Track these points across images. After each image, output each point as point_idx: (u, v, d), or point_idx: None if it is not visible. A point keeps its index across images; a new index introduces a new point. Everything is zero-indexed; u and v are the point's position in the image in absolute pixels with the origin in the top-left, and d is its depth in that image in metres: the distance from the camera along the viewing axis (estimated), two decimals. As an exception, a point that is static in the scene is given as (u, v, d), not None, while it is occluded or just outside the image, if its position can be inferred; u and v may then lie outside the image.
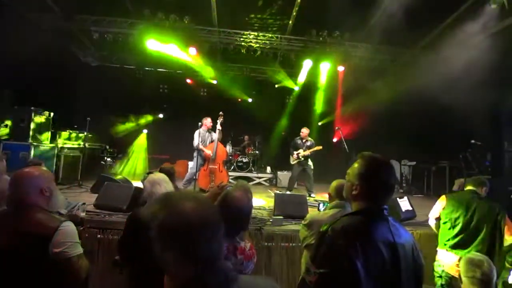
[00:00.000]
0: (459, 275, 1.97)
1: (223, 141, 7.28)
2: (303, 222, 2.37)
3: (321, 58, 8.47)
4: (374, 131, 8.73)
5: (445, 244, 2.79)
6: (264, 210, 4.66)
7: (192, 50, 8.11)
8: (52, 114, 6.78)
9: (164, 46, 7.92)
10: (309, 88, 10.05)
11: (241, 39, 8.19)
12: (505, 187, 4.98)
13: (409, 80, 7.14)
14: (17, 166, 3.72)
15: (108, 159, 8.21)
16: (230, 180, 7.09)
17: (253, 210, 2.66)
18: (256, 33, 8.15)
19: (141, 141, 10.36)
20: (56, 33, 7.38)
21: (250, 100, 11.27)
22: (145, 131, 10.44)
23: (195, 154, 5.90)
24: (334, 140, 8.46)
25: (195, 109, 9.45)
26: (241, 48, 8.27)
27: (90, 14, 7.51)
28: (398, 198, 4.43)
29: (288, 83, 10.48)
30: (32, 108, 6.23)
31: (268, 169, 9.26)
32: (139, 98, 10.26)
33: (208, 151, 5.81)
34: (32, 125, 6.13)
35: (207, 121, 5.99)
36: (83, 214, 3.52)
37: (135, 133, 10.45)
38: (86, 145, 6.89)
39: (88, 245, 3.15)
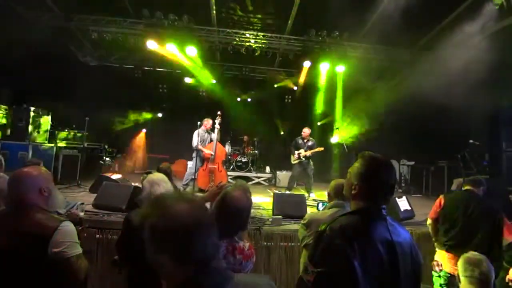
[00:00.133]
0: (457, 275, 1.97)
1: (222, 141, 7.28)
2: (302, 221, 2.37)
3: (320, 58, 8.47)
4: (373, 131, 8.74)
5: (444, 244, 2.80)
6: (263, 210, 4.66)
7: (191, 50, 8.10)
8: (51, 113, 6.77)
9: (163, 46, 7.92)
10: (309, 88, 10.06)
11: (240, 39, 8.20)
12: (503, 187, 5.00)
13: (408, 80, 7.16)
14: (16, 166, 3.72)
15: (107, 158, 8.20)
16: (229, 180, 7.09)
17: (252, 210, 2.67)
18: (255, 33, 8.16)
19: (140, 140, 10.36)
20: (55, 32, 7.36)
21: (249, 100, 11.28)
22: (143, 130, 10.44)
23: (194, 154, 5.90)
24: (334, 140, 8.46)
25: (194, 108, 9.46)
26: (240, 48, 8.28)
27: (89, 14, 7.50)
28: (396, 198, 4.44)
29: (287, 83, 10.50)
30: (31, 107, 6.22)
31: (267, 169, 9.26)
32: (138, 98, 10.27)
33: (207, 151, 5.81)
34: (31, 125, 6.12)
35: (207, 122, 5.99)
36: (82, 214, 3.51)
37: (134, 132, 10.44)
38: (85, 144, 6.88)
39: (87, 245, 3.14)
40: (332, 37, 7.93)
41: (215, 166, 5.87)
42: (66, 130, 7.21)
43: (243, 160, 8.90)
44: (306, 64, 8.86)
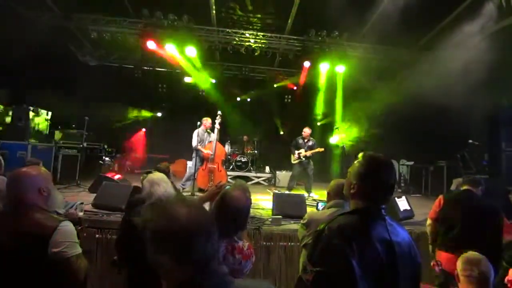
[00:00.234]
0: (457, 274, 1.97)
1: (222, 140, 7.28)
2: (301, 221, 2.37)
3: (320, 58, 8.48)
4: (373, 131, 8.75)
5: (443, 244, 2.80)
6: (262, 210, 4.66)
7: (191, 50, 8.11)
8: (50, 113, 6.76)
9: (162, 46, 7.92)
10: (309, 88, 10.07)
11: (240, 38, 8.19)
12: (503, 186, 5.01)
13: (408, 80, 7.16)
14: (15, 165, 3.71)
15: (107, 158, 8.20)
16: (229, 180, 7.09)
17: (251, 210, 2.67)
18: (255, 33, 8.15)
19: (140, 139, 10.35)
20: (55, 32, 7.35)
21: (249, 99, 11.27)
22: (143, 129, 10.43)
23: (193, 154, 5.90)
24: (333, 140, 8.47)
25: (194, 108, 9.45)
26: (240, 48, 8.27)
27: (88, 13, 7.49)
28: (396, 198, 4.44)
29: (287, 83, 10.50)
30: (30, 107, 6.22)
31: (267, 168, 9.26)
32: (138, 98, 10.26)
33: (206, 151, 5.81)
34: (30, 124, 6.11)
35: (207, 122, 5.99)
36: (81, 214, 3.51)
37: (134, 131, 10.44)
38: (84, 144, 6.88)
39: (87, 245, 3.14)
40: (332, 37, 7.94)
41: (215, 166, 5.87)
42: (66, 130, 7.19)
43: (243, 160, 8.90)
44: (306, 64, 8.86)
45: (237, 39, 8.17)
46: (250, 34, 8.17)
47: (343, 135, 6.49)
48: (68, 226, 1.57)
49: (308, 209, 4.23)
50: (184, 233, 0.83)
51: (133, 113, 10.61)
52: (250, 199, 1.87)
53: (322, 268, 1.05)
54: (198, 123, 6.03)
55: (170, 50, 8.09)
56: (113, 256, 2.48)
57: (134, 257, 2.05)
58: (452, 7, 6.61)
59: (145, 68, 9.80)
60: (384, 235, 1.13)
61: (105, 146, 8.33)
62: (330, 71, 9.00)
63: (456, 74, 5.69)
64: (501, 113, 6.07)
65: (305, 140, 6.60)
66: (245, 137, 9.78)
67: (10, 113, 6.20)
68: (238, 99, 11.23)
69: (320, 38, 7.97)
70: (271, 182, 8.68)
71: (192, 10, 7.41)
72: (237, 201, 1.66)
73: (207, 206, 1.97)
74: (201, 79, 9.99)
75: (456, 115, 6.16)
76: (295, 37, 8.23)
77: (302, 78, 9.65)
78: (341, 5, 5.90)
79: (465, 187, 2.94)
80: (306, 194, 6.04)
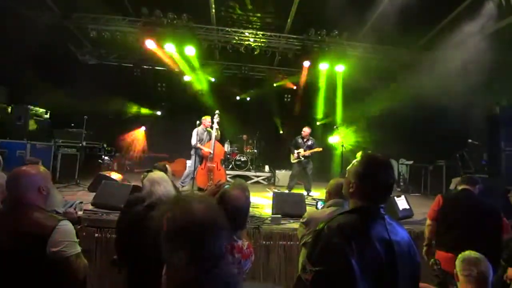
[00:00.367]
0: (456, 273, 1.98)
1: (221, 140, 7.28)
2: (301, 220, 2.37)
3: (320, 58, 8.47)
4: (372, 131, 8.75)
5: (442, 244, 2.80)
6: (262, 209, 4.66)
7: (190, 49, 8.10)
8: (49, 112, 6.74)
9: (162, 46, 7.90)
10: (308, 88, 10.06)
11: (240, 37, 8.18)
12: (502, 186, 5.01)
13: (408, 79, 7.16)
14: (15, 164, 3.70)
15: (106, 157, 8.19)
16: (228, 179, 7.09)
17: (251, 209, 2.67)
18: (254, 32, 8.14)
19: (139, 138, 10.31)
20: (54, 31, 7.33)
21: (248, 98, 11.27)
22: (143, 128, 10.38)
23: (192, 152, 5.90)
24: (333, 140, 8.47)
25: (193, 107, 9.45)
26: (239, 47, 8.26)
27: (87, 12, 7.47)
28: (395, 197, 4.45)
29: (287, 82, 10.49)
30: (30, 106, 6.20)
31: (267, 168, 9.26)
32: (138, 97, 10.24)
33: (206, 149, 5.81)
34: (30, 124, 6.10)
35: (206, 121, 5.98)
36: (80, 213, 3.51)
37: (133, 130, 10.41)
38: (84, 143, 6.87)
39: (86, 244, 3.14)
40: (332, 36, 7.94)
41: (214, 165, 5.87)
42: (65, 129, 7.18)
43: (242, 159, 8.90)
44: (306, 64, 8.86)
45: (236, 38, 8.16)
46: (249, 33, 8.16)
47: (342, 135, 6.48)
48: (67, 226, 1.57)
49: (308, 208, 4.23)
50: (199, 230, 0.86)
51: (133, 112, 10.59)
52: (250, 198, 1.87)
53: (321, 268, 1.05)
54: (198, 122, 6.03)
55: (169, 49, 8.08)
56: (113, 255, 2.47)
57: (134, 257, 2.05)
58: (452, 7, 6.61)
59: (145, 67, 9.79)
60: (383, 234, 1.13)
61: (105, 145, 8.32)
62: (330, 70, 9.00)
63: (456, 73, 5.70)
64: (501, 112, 6.07)
65: (305, 140, 6.60)
66: (244, 136, 9.77)
67: (10, 112, 6.19)
68: (238, 98, 11.21)
69: (319, 38, 7.96)
70: (271, 181, 8.68)
71: (191, 9, 7.40)
72: (237, 200, 1.66)
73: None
74: (200, 78, 9.98)
75: (455, 115, 6.16)
76: (294, 36, 8.23)
77: (302, 78, 9.65)
78: (341, 5, 5.89)
79: (463, 187, 2.94)
80: (305, 193, 6.05)
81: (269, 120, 11.15)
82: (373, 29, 7.33)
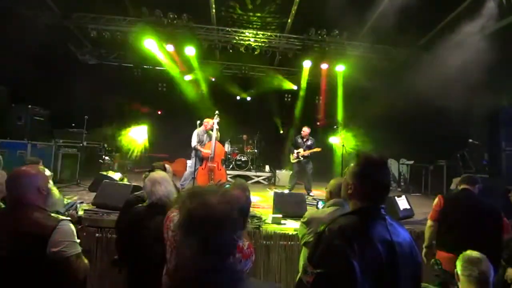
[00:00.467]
0: (457, 274, 1.97)
1: (222, 140, 7.28)
2: (301, 220, 2.37)
3: (320, 57, 8.46)
4: (372, 130, 8.74)
5: (443, 244, 2.79)
6: (262, 209, 4.66)
7: (190, 49, 8.09)
8: (50, 112, 6.74)
9: (162, 45, 7.90)
10: (308, 87, 10.06)
11: (240, 37, 8.18)
12: (503, 186, 5.00)
13: (408, 79, 7.15)
14: (15, 164, 3.70)
15: (106, 157, 8.19)
16: (229, 179, 7.08)
17: (251, 209, 2.66)
18: (255, 32, 8.14)
19: (140, 137, 10.28)
20: (54, 31, 7.34)
21: (248, 98, 11.26)
22: (143, 128, 10.36)
23: (193, 153, 5.89)
24: (334, 139, 8.46)
25: (194, 107, 9.44)
26: (239, 47, 8.25)
27: (87, 12, 7.47)
28: (396, 197, 4.44)
29: (287, 82, 10.49)
30: (30, 106, 6.20)
31: (267, 167, 9.26)
32: (138, 97, 10.24)
33: (206, 151, 5.81)
34: (30, 123, 6.10)
35: (208, 124, 5.98)
36: (81, 213, 3.51)
37: (133, 130, 10.40)
38: (84, 143, 6.87)
39: (86, 244, 3.14)
40: (332, 36, 7.93)
41: (215, 165, 5.86)
42: (66, 129, 7.18)
43: (243, 159, 8.89)
44: (306, 64, 8.85)
45: (236, 38, 8.16)
46: (249, 33, 8.15)
47: (343, 135, 6.48)
48: (67, 225, 1.56)
49: (308, 208, 4.23)
50: (215, 223, 0.87)
51: (133, 112, 10.57)
52: (250, 198, 1.87)
53: (323, 270, 1.04)
54: (198, 122, 6.02)
55: (170, 49, 8.07)
56: (113, 255, 2.48)
57: (134, 257, 2.05)
58: (453, 7, 6.60)
59: (145, 67, 9.79)
60: (385, 235, 1.12)
61: (105, 145, 8.32)
62: (330, 70, 8.99)
63: (456, 73, 5.68)
64: (501, 112, 6.06)
65: (304, 140, 6.60)
66: (244, 136, 9.77)
67: (10, 112, 6.19)
68: (238, 98, 11.21)
69: (320, 37, 7.96)
70: (271, 181, 8.68)
71: (191, 9, 7.40)
72: (237, 200, 1.66)
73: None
74: (200, 78, 9.98)
75: (456, 115, 6.15)
76: (295, 36, 8.22)
77: (302, 77, 9.64)
78: (341, 4, 5.89)
79: (462, 186, 2.93)
80: (305, 193, 6.04)
81: (270, 120, 11.16)
82: (373, 29, 7.32)
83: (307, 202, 4.52)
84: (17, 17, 6.30)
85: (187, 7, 7.35)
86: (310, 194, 6.29)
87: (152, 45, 7.92)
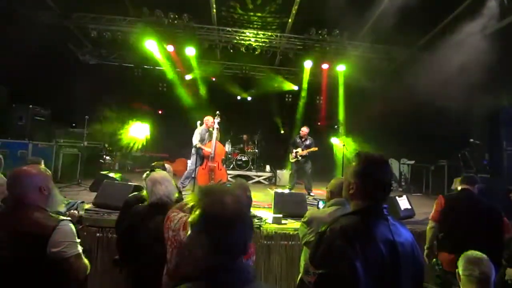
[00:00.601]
0: (458, 274, 1.97)
1: (222, 140, 7.28)
2: (302, 219, 2.37)
3: (321, 57, 8.46)
4: (373, 130, 8.73)
5: (444, 244, 2.79)
6: (263, 209, 4.66)
7: (191, 49, 8.09)
8: (50, 112, 6.75)
9: (163, 45, 7.91)
10: (309, 87, 10.05)
11: (241, 37, 8.18)
12: (504, 186, 4.99)
13: (409, 79, 7.14)
14: (16, 164, 3.71)
15: (107, 157, 8.20)
16: (229, 179, 7.09)
17: (252, 209, 2.67)
18: (255, 32, 8.14)
19: (140, 137, 10.29)
20: (54, 31, 7.34)
21: (249, 98, 11.26)
22: (144, 127, 10.36)
23: (193, 152, 5.89)
24: (334, 139, 8.45)
25: (194, 107, 9.44)
26: (240, 47, 8.25)
27: (88, 12, 7.47)
28: (397, 197, 4.44)
29: (288, 82, 10.48)
30: (31, 106, 6.21)
31: (268, 167, 9.26)
32: (138, 97, 10.24)
33: (207, 149, 5.81)
34: (31, 123, 6.11)
35: (209, 121, 5.98)
36: (81, 213, 3.52)
37: (134, 130, 10.41)
38: (85, 143, 6.88)
39: (87, 244, 3.15)
40: (333, 35, 7.92)
41: (215, 165, 5.87)
42: (66, 129, 7.20)
43: (243, 159, 8.89)
44: (307, 64, 8.84)
45: (237, 38, 8.16)
46: (250, 33, 8.15)
47: (343, 134, 6.47)
48: (67, 226, 1.56)
49: (309, 208, 4.23)
50: (228, 223, 0.88)
51: (133, 112, 10.58)
52: (251, 198, 1.87)
53: (325, 270, 1.04)
54: (199, 122, 6.03)
55: (170, 49, 8.08)
56: (114, 255, 2.48)
57: (134, 256, 2.05)
58: (453, 7, 6.59)
59: (146, 67, 9.79)
60: (387, 236, 1.12)
61: (106, 145, 8.33)
62: (331, 70, 8.98)
63: (457, 73, 5.67)
64: (502, 112, 6.04)
65: (303, 139, 6.61)
66: (245, 136, 9.77)
67: (11, 112, 6.20)
68: (239, 98, 11.20)
69: (320, 37, 7.95)
70: (272, 181, 8.68)
71: (192, 9, 7.40)
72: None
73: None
74: (201, 78, 9.97)
75: (456, 114, 6.14)
76: (295, 36, 8.22)
77: (303, 77, 9.63)
78: (341, 4, 5.88)
79: (462, 187, 2.92)
80: (306, 193, 6.04)
81: (270, 119, 11.15)
82: (373, 29, 7.31)
83: (307, 202, 4.52)
84: (18, 17, 6.31)
85: (187, 7, 7.35)
86: (311, 194, 6.29)
87: (152, 45, 7.93)
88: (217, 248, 0.87)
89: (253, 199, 1.87)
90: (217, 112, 6.00)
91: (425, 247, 2.96)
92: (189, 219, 0.94)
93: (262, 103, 10.87)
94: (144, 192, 2.32)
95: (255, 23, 8.21)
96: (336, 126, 7.81)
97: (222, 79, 10.34)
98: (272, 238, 3.57)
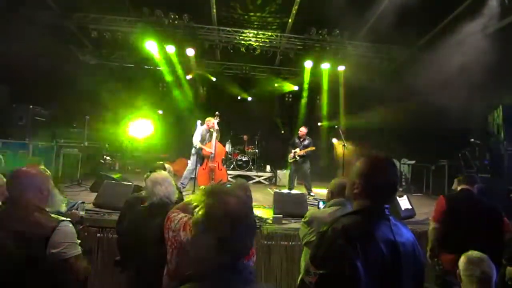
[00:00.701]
0: (459, 274, 1.96)
1: (222, 140, 7.28)
2: (303, 219, 2.36)
3: (321, 57, 8.45)
4: (374, 130, 8.73)
5: (445, 245, 2.78)
6: (264, 209, 4.66)
7: (191, 50, 8.09)
8: (51, 112, 6.76)
9: (163, 45, 7.91)
10: (309, 87, 10.05)
11: (241, 37, 8.18)
12: (504, 186, 4.98)
13: (409, 78, 7.13)
14: (16, 164, 3.70)
15: (108, 157, 8.20)
16: (229, 179, 7.09)
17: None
18: (255, 32, 8.14)
19: (140, 137, 10.28)
20: (55, 30, 7.34)
21: (249, 98, 11.26)
22: (144, 127, 10.35)
23: (193, 152, 5.90)
24: (335, 139, 8.45)
25: (194, 107, 9.44)
26: (240, 47, 8.25)
27: (88, 12, 7.48)
28: (397, 197, 4.43)
29: (288, 82, 10.48)
30: (31, 106, 6.22)
31: (268, 167, 9.26)
32: (138, 97, 10.24)
33: (208, 149, 5.82)
34: (31, 123, 6.11)
35: (210, 122, 5.99)
36: (82, 213, 3.51)
37: (134, 129, 10.40)
38: (86, 143, 6.88)
39: (88, 244, 3.15)
40: (333, 35, 7.92)
41: (215, 165, 5.87)
42: (67, 129, 7.20)
43: (244, 159, 8.89)
44: (307, 64, 8.84)
45: (237, 38, 8.16)
46: (250, 33, 8.15)
47: (343, 134, 6.46)
48: (67, 227, 1.56)
49: (309, 208, 4.22)
50: (233, 223, 0.89)
51: (134, 112, 10.58)
52: (251, 198, 1.87)
53: (326, 270, 1.03)
54: (199, 121, 6.03)
55: (170, 50, 8.08)
56: (114, 255, 2.47)
57: (135, 257, 2.05)
58: (453, 6, 6.58)
59: (146, 67, 9.79)
60: (388, 236, 1.11)
61: (106, 145, 8.33)
62: (331, 69, 8.97)
63: (458, 72, 5.66)
64: (503, 112, 6.03)
65: (301, 139, 6.61)
66: (245, 136, 9.77)
67: (11, 112, 6.20)
68: (239, 98, 11.20)
69: (321, 37, 7.94)
70: (272, 181, 8.67)
71: (192, 9, 7.40)
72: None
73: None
74: (201, 78, 9.97)
75: (457, 114, 6.12)
76: (295, 36, 8.22)
77: (303, 77, 9.63)
78: (342, 4, 5.88)
79: (462, 187, 2.91)
80: (306, 193, 6.04)
81: (271, 120, 11.15)
82: (374, 29, 7.31)
83: (308, 202, 4.51)
84: (18, 17, 6.31)
85: (187, 7, 7.36)
86: (311, 194, 6.28)
87: (152, 46, 7.93)
88: (220, 249, 0.87)
89: (254, 199, 1.87)
90: (217, 112, 6.01)
91: (428, 249, 2.92)
92: (192, 220, 0.95)
93: (262, 103, 10.87)
94: (145, 193, 2.32)
95: (255, 23, 8.21)
96: (336, 126, 7.80)
97: (222, 79, 10.33)
98: (272, 238, 3.56)
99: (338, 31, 7.82)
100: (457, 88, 5.68)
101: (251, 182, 8.32)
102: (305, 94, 10.24)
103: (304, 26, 7.86)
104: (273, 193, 5.04)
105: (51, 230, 1.48)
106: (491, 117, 6.29)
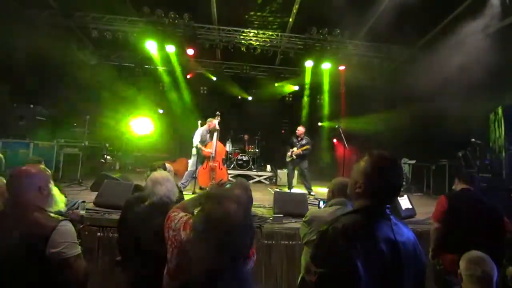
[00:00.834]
0: (459, 273, 1.96)
1: (223, 139, 7.28)
2: (303, 219, 2.36)
3: (322, 56, 8.44)
4: (374, 130, 8.72)
5: (446, 245, 2.78)
6: (264, 208, 4.66)
7: (191, 49, 8.08)
8: (51, 112, 6.77)
9: (163, 45, 7.90)
10: (310, 87, 10.05)
11: (241, 37, 8.17)
12: (505, 185, 4.98)
13: (409, 78, 7.13)
14: (17, 164, 3.71)
15: (108, 157, 8.20)
16: (230, 178, 7.09)
17: (252, 208, 2.66)
18: (256, 31, 8.13)
19: (141, 136, 10.29)
20: (55, 30, 7.35)
21: (250, 98, 11.26)
22: (144, 127, 10.35)
23: (194, 152, 5.90)
24: (335, 139, 8.45)
25: (194, 107, 9.44)
26: (241, 46, 8.24)
27: (89, 12, 7.48)
28: (398, 197, 4.42)
29: (288, 82, 10.47)
30: (32, 106, 6.22)
31: (268, 167, 9.26)
32: (139, 97, 10.25)
33: (207, 150, 5.82)
34: (32, 123, 6.12)
35: (211, 123, 5.99)
36: (83, 212, 3.52)
37: (134, 130, 10.41)
38: (86, 143, 6.88)
39: (88, 243, 3.15)
40: (333, 35, 7.91)
41: (216, 164, 5.87)
42: (67, 129, 7.21)
43: (244, 159, 8.88)
44: (308, 63, 8.83)
45: (238, 37, 8.15)
46: (251, 32, 8.14)
47: (344, 134, 6.45)
48: (67, 226, 1.55)
49: (310, 208, 4.22)
50: (233, 226, 0.90)
51: (134, 112, 10.59)
52: (252, 198, 1.86)
53: (326, 269, 1.03)
54: (200, 121, 6.03)
55: (170, 49, 8.07)
56: (114, 254, 2.47)
57: (135, 256, 2.05)
58: (453, 6, 6.57)
59: (146, 66, 9.80)
60: (389, 235, 1.10)
61: (107, 145, 8.33)
62: (332, 69, 8.96)
63: (458, 72, 5.66)
64: (504, 112, 6.03)
65: (299, 139, 6.61)
66: (245, 136, 9.77)
67: (12, 111, 6.21)
68: (239, 97, 11.20)
69: (321, 36, 7.93)
70: (272, 180, 8.67)
71: (193, 8, 7.40)
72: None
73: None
74: (201, 77, 9.96)
75: (458, 114, 6.12)
76: (296, 35, 8.21)
77: (303, 77, 9.62)
78: (342, 4, 5.87)
79: (462, 186, 2.91)
80: (306, 192, 6.04)
81: (271, 119, 11.14)
82: (374, 28, 7.30)
83: (308, 202, 4.51)
84: (19, 17, 6.32)
85: (188, 6, 7.36)
86: (312, 193, 6.28)
87: (153, 45, 7.92)
88: (219, 251, 0.88)
89: (254, 198, 1.86)
90: (217, 112, 6.01)
91: (430, 249, 2.90)
92: (192, 221, 0.95)
93: (262, 103, 10.86)
94: (145, 192, 2.31)
95: (255, 22, 8.20)
96: (336, 126, 7.80)
97: (222, 79, 10.33)
98: (272, 238, 3.56)
99: (338, 31, 7.82)
100: (457, 88, 5.67)
101: (251, 181, 8.32)
102: (305, 93, 10.23)
103: (305, 26, 7.86)
104: (273, 192, 5.04)
105: (50, 230, 1.47)
106: (492, 117, 6.28)
